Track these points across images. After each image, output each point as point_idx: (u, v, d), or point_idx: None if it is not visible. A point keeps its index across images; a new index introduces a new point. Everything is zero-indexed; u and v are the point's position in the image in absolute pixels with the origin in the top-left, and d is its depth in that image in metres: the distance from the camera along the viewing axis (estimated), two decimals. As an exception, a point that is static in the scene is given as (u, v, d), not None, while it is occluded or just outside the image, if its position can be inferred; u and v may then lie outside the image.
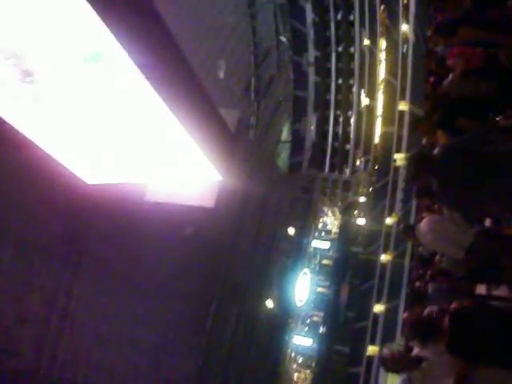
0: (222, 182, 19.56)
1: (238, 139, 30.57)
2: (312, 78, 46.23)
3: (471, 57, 5.93)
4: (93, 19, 6.94)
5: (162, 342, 27.05)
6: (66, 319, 24.42)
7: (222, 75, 31.70)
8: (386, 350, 4.65)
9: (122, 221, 22.65)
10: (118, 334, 25.17)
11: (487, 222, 8.31)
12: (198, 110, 10.63)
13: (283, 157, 46.12)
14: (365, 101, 46.28)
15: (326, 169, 48.43)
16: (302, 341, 44.88)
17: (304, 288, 44.34)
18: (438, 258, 7.87)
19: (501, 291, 8.21)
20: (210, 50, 31.52)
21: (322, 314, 45.62)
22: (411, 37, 37.27)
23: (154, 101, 9.43)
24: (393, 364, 4.47)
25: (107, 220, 23.06)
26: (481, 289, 9.60)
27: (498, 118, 5.71)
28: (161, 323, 26.57)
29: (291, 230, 43.30)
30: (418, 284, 11.00)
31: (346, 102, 47.67)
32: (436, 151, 4.76)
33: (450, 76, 7.25)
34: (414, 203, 28.14)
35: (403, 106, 40.23)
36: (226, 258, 31.87)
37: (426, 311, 5.01)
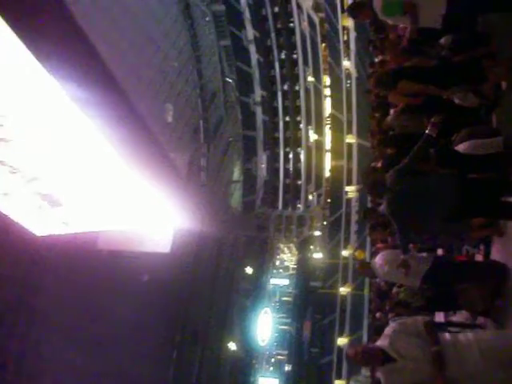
0: (176, 226, 19.35)
1: (190, 182, 30.56)
2: (260, 117, 46.83)
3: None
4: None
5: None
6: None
7: (170, 119, 31.71)
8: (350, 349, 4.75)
9: (75, 273, 22.01)
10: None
11: (439, 251, 8.48)
12: (148, 155, 10.52)
13: (236, 197, 46.14)
14: (313, 136, 47.10)
15: (280, 206, 48.67)
16: (267, 381, 44.18)
17: (266, 327, 43.91)
18: (395, 289, 7.92)
19: (458, 317, 8.31)
20: (156, 95, 31.55)
21: (285, 352, 45.16)
22: (354, 72, 38.41)
23: (103, 147, 9.29)
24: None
25: (59, 273, 22.39)
26: (439, 316, 9.70)
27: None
28: (121, 376, 25.67)
29: (249, 270, 43.10)
30: (378, 315, 11.03)
31: (294, 139, 48.37)
32: (387, 178, 4.88)
33: (392, 112, 7.47)
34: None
35: (351, 139, 41.14)
36: (184, 304, 31.37)
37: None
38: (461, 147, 5.76)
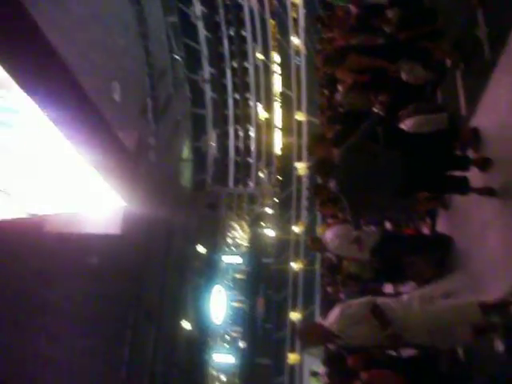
0: (126, 206, 19.09)
1: (139, 161, 30.09)
2: (209, 94, 46.44)
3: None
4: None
5: (78, 381, 25.87)
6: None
7: (117, 98, 31.06)
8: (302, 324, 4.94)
9: (23, 257, 21.51)
10: (25, 376, 23.75)
11: (388, 225, 8.68)
12: (95, 134, 10.31)
13: (186, 175, 45.83)
14: (263, 114, 47.05)
15: (231, 184, 48.66)
16: (223, 358, 44.53)
17: (220, 305, 44.12)
18: (345, 263, 8.07)
19: (407, 288, 8.57)
20: (102, 73, 30.79)
21: (240, 329, 45.53)
22: (303, 49, 38.43)
23: (49, 128, 9.05)
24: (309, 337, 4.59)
25: (6, 257, 21.84)
26: (388, 288, 9.98)
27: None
28: (74, 362, 25.40)
29: (201, 248, 43.06)
30: (329, 289, 11.24)
31: (244, 116, 48.20)
32: (336, 156, 4.92)
33: (341, 89, 7.53)
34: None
35: (300, 117, 41.30)
36: (136, 284, 31.14)
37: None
38: (407, 123, 5.87)
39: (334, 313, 4.32)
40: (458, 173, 5.13)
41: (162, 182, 35.43)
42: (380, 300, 4.28)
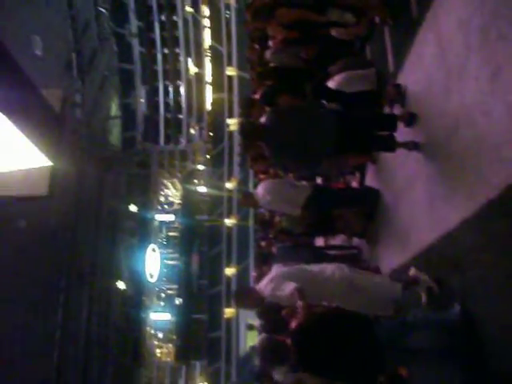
0: (52, 167, 18.41)
1: (65, 120, 29.01)
2: (137, 49, 45.07)
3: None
4: None
5: (9, 347, 25.35)
6: None
7: (39, 52, 29.62)
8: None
9: None
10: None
11: (318, 180, 8.82)
12: (16, 92, 9.77)
13: (115, 133, 44.69)
14: (193, 69, 46.25)
15: (161, 141, 47.96)
16: (159, 316, 44.79)
17: (154, 263, 44.07)
18: (277, 218, 8.17)
19: (337, 240, 8.81)
20: (22, 26, 29.21)
21: (175, 286, 45.77)
22: (233, 3, 37.70)
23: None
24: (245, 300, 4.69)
25: None
26: (319, 241, 10.22)
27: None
28: (6, 328, 24.81)
29: (133, 208, 42.56)
30: (263, 244, 11.39)
31: (174, 72, 47.24)
32: (264, 119, 4.90)
33: (271, 44, 7.46)
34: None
35: (231, 72, 40.85)
36: (67, 246, 30.51)
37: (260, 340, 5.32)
38: (336, 78, 5.91)
39: (268, 276, 4.41)
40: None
41: (90, 140, 34.44)
42: (309, 271, 4.39)
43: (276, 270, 4.81)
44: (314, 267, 4.67)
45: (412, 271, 4.48)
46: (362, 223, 6.83)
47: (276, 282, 4.36)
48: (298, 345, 3.76)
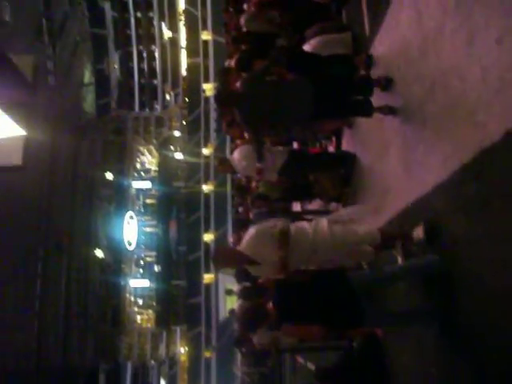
0: (26, 136, 18.08)
1: (37, 87, 28.38)
2: (109, 13, 44.06)
3: None
4: None
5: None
6: None
7: (7, 18, 28.76)
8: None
9: None
10: None
11: (294, 145, 8.82)
12: (-17, 59, 9.51)
13: (89, 100, 43.90)
14: (167, 33, 45.47)
15: (136, 107, 47.39)
16: (138, 283, 44.95)
17: (132, 231, 44.00)
18: (254, 184, 8.16)
19: (313, 205, 8.87)
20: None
21: (154, 253, 45.87)
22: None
23: None
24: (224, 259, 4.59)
25: None
26: (296, 206, 10.29)
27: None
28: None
29: (109, 175, 42.21)
30: (240, 209, 11.45)
31: (148, 36, 46.42)
32: (238, 85, 4.85)
33: (246, 7, 7.34)
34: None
35: (206, 36, 40.30)
36: (43, 216, 30.21)
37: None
38: (312, 42, 5.85)
39: (250, 232, 4.28)
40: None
41: (63, 108, 33.80)
42: (296, 224, 4.33)
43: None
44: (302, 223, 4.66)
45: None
46: (337, 188, 6.86)
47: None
48: (277, 301, 3.86)
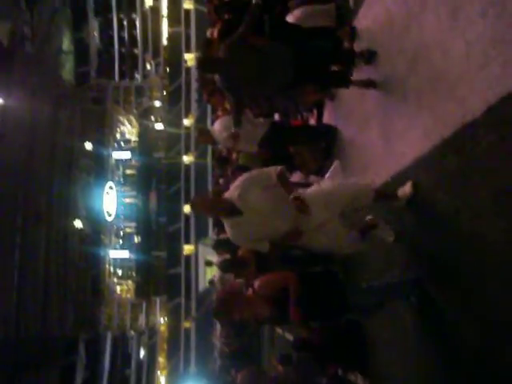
0: (3, 104, 17.76)
1: (14, 54, 27.79)
2: (88, -21, 43.18)
3: None
4: None
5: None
6: None
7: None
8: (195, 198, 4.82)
9: None
10: None
11: (276, 116, 8.76)
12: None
13: (68, 69, 43.17)
14: (148, 1, 44.71)
15: (116, 76, 46.69)
16: (118, 254, 44.92)
17: (111, 202, 43.78)
18: (234, 155, 8.13)
19: (294, 178, 8.87)
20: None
21: (134, 224, 45.78)
22: None
23: None
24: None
25: None
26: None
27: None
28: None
29: (88, 145, 41.77)
30: (221, 181, 11.39)
31: (128, 4, 45.57)
32: (220, 52, 4.77)
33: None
34: (208, 102, 28.47)
35: (188, 5, 39.68)
36: (22, 185, 29.91)
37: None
38: (295, 13, 5.78)
39: (240, 178, 3.92)
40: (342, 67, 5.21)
41: (41, 76, 33.21)
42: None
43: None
44: None
45: (369, 217, 4.51)
46: (318, 160, 6.86)
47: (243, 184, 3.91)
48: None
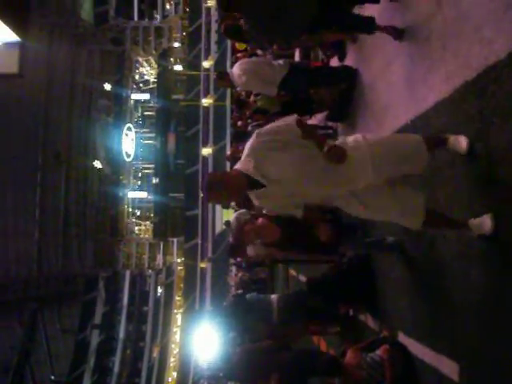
0: (22, 43, 17.62)
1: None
2: None
3: None
4: None
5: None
6: None
7: None
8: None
9: None
10: None
11: (296, 58, 8.62)
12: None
13: (86, 8, 42.47)
14: None
15: (135, 16, 45.96)
16: (136, 195, 45.46)
17: (130, 143, 43.98)
18: (252, 98, 8.05)
19: (313, 121, 8.81)
20: None
21: (152, 165, 46.09)
22: None
23: None
24: None
25: None
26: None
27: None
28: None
29: (107, 86, 41.60)
30: (239, 123, 11.35)
31: None
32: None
33: None
34: (229, 44, 28.02)
35: None
36: (41, 125, 30.07)
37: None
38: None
39: (251, 143, 3.15)
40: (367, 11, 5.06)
41: (59, 15, 32.81)
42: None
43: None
44: None
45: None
46: (335, 98, 6.78)
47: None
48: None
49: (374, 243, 4.94)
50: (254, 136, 3.15)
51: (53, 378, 28.50)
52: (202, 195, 39.01)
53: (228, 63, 29.39)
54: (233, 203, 10.04)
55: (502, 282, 2.92)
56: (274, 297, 5.91)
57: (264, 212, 4.23)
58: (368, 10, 5.12)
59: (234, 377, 5.26)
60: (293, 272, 11.99)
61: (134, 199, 45.57)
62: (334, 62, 7.37)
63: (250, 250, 5.56)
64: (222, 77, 6.64)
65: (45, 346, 27.18)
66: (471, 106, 3.25)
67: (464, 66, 3.36)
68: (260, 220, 4.09)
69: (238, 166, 3.14)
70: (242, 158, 3.16)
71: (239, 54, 9.04)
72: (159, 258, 45.30)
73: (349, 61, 6.85)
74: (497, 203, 2.97)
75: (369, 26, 4.92)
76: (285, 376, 4.01)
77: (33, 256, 30.54)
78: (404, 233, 4.36)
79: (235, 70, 6.23)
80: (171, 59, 46.17)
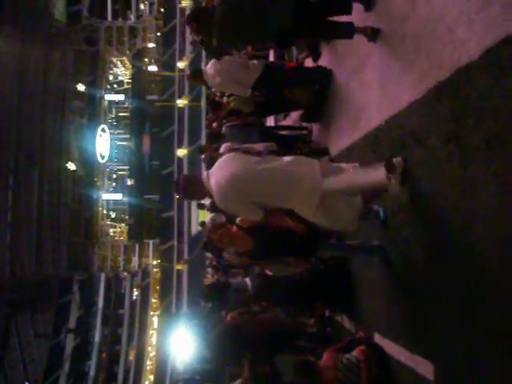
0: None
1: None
2: None
3: None
4: None
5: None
6: None
7: None
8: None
9: None
10: None
11: (270, 58, 8.62)
12: None
13: (59, 7, 41.94)
14: None
15: (109, 16, 45.54)
16: (111, 196, 45.04)
17: (105, 144, 43.55)
18: (225, 99, 8.02)
19: (288, 122, 8.82)
20: None
21: (127, 167, 45.72)
22: None
23: None
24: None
25: None
26: (270, 121, 10.22)
27: None
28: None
29: (81, 87, 41.16)
30: (214, 125, 11.30)
31: None
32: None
33: None
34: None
35: None
36: (13, 127, 29.64)
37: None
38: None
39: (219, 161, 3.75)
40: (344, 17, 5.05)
41: (31, 15, 32.37)
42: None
43: (224, 147, 4.67)
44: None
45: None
46: (310, 99, 6.77)
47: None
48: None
49: (355, 246, 4.93)
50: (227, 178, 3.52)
51: (27, 383, 28.12)
52: (176, 196, 38.88)
53: (203, 64, 29.34)
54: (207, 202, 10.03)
55: (467, 284, 2.94)
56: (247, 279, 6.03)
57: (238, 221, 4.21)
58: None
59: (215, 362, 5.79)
60: (268, 273, 12.00)
61: (108, 201, 45.12)
62: (309, 63, 7.37)
63: (226, 254, 5.56)
64: (196, 76, 6.60)
65: (18, 352, 26.76)
66: (444, 107, 3.25)
67: (437, 66, 3.36)
68: (234, 229, 4.08)
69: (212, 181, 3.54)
70: (214, 180, 3.54)
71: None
72: (135, 260, 44.94)
73: (323, 61, 6.85)
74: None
75: (349, 32, 4.91)
76: (254, 356, 4.69)
77: (5, 259, 30.07)
78: (380, 237, 4.38)
79: (209, 70, 6.20)
80: (146, 60, 45.87)
